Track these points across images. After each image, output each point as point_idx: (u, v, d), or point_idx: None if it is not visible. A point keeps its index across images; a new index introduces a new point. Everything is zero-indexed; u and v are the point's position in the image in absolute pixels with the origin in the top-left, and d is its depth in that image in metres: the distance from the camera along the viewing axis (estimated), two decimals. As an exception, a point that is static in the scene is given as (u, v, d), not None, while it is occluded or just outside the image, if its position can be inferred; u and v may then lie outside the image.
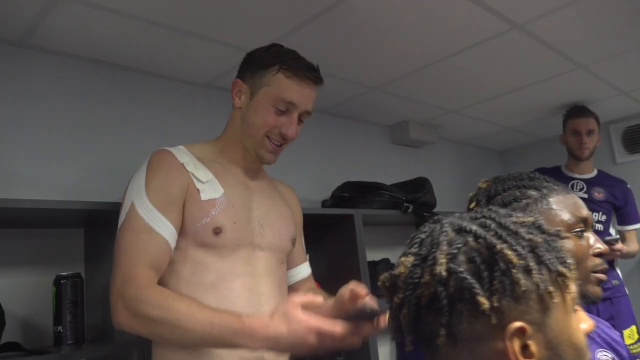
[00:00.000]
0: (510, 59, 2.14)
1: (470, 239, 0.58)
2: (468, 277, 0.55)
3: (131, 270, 1.04)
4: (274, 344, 0.92)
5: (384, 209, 2.25)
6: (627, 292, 2.52)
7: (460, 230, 0.59)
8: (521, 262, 0.55)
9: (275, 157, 1.28)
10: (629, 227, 2.62)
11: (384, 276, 0.63)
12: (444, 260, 0.56)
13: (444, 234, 0.60)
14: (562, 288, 0.57)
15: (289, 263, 1.38)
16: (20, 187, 1.53)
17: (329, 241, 2.08)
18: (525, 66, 2.23)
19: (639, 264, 3.05)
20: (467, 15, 1.72)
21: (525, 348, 0.53)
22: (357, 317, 0.91)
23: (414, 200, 2.35)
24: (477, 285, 0.54)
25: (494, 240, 0.57)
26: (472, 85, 2.41)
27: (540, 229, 0.60)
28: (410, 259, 0.60)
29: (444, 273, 0.56)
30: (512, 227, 0.59)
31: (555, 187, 0.96)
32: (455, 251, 0.57)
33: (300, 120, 1.26)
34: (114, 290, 1.03)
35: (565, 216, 0.91)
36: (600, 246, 0.93)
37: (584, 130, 2.59)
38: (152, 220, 1.09)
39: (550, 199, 0.94)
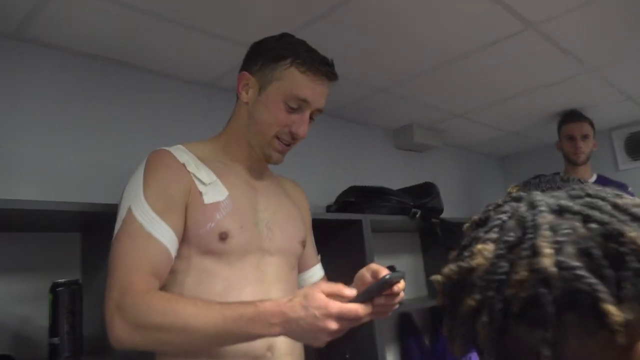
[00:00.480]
0: (521, 61, 2.09)
1: (578, 224, 0.42)
2: (587, 275, 0.39)
3: (128, 278, 0.95)
4: (291, 328, 0.86)
5: (392, 214, 2.18)
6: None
7: (562, 211, 0.44)
8: None
9: (283, 157, 1.20)
10: None
11: (449, 269, 0.47)
12: (549, 251, 0.40)
13: (541, 215, 0.44)
14: None
15: (301, 266, 1.30)
16: (12, 185, 1.44)
17: (336, 247, 2.00)
18: (535, 68, 2.18)
19: None
20: (480, 13, 1.67)
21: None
22: (378, 289, 0.88)
23: (421, 206, 2.28)
24: (602, 288, 0.38)
25: (619, 226, 0.40)
26: (480, 87, 2.35)
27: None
28: (491, 246, 0.44)
29: (551, 268, 0.40)
30: (633, 210, 0.43)
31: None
32: (563, 239, 0.41)
33: (311, 119, 1.18)
34: (110, 304, 0.94)
35: None
36: None
37: (579, 135, 2.60)
38: (150, 226, 1.00)
39: None
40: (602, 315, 0.38)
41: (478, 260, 0.44)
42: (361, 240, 1.96)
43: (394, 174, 2.75)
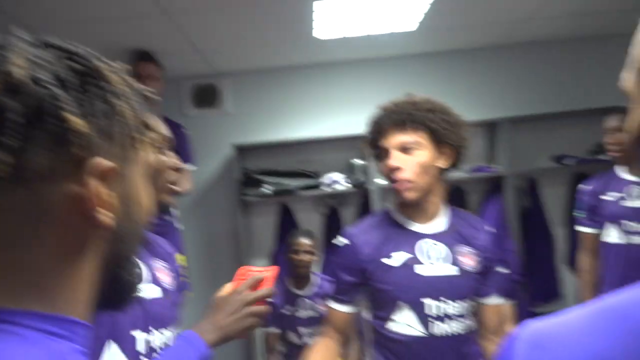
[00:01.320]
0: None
1: (62, 53, 0.44)
2: (57, 85, 0.41)
3: None
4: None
5: None
6: (178, 227, 2.86)
7: (48, 44, 0.45)
8: (121, 89, 0.47)
9: None
10: None
11: None
12: (21, 62, 0.41)
13: (20, 44, 0.43)
14: (144, 142, 0.51)
15: None
16: None
17: None
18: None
19: (194, 201, 3.50)
20: None
21: (105, 196, 0.45)
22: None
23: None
24: (67, 99, 0.41)
25: (94, 60, 0.45)
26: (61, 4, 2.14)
27: (128, 80, 0.51)
28: None
29: (21, 74, 0.40)
30: (104, 61, 0.48)
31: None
32: (38, 61, 0.42)
33: None
34: None
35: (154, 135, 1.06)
36: (176, 162, 1.12)
37: (144, 74, 2.72)
38: None
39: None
40: (66, 127, 0.41)
41: None
42: None
43: None
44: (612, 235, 2.26)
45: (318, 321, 2.79)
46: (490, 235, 1.52)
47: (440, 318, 1.40)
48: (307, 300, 2.83)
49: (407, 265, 1.42)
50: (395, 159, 1.39)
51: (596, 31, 3.44)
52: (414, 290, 1.41)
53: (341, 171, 3.42)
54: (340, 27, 2.83)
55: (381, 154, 1.45)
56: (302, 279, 2.85)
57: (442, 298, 1.40)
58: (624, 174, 2.30)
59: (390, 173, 1.41)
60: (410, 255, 1.43)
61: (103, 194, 0.44)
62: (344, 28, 2.85)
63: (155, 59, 2.80)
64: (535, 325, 0.43)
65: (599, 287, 2.33)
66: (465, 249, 1.46)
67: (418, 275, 1.41)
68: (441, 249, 1.44)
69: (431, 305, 1.40)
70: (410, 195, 1.40)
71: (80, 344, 0.45)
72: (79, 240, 0.45)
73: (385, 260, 1.44)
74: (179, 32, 2.67)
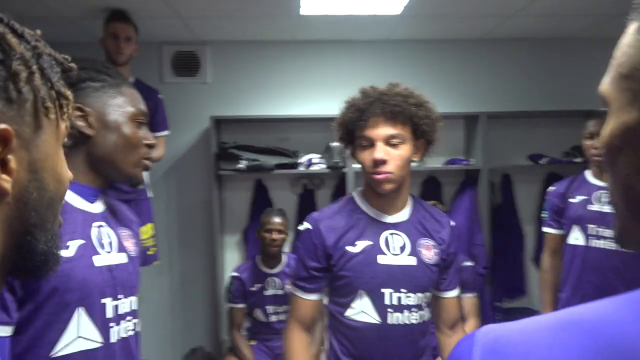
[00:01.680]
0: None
1: None
2: None
3: None
4: None
5: None
6: (149, 195, 2.82)
7: None
8: (25, 55, 0.47)
9: None
10: None
11: None
12: None
13: None
14: (59, 112, 0.52)
15: None
16: None
17: None
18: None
19: (168, 170, 3.45)
20: None
21: (3, 163, 0.45)
22: None
23: None
24: None
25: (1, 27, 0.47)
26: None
27: (46, 46, 0.52)
28: None
29: None
30: (20, 27, 0.49)
31: (126, 81, 1.15)
32: None
33: None
34: None
35: (130, 108, 1.09)
36: (151, 139, 1.14)
37: (122, 35, 2.66)
38: None
39: (122, 89, 1.09)
40: None
41: None
42: None
43: None
44: (575, 237, 2.31)
45: (285, 300, 2.80)
46: (453, 230, 1.54)
47: (398, 308, 1.42)
48: (275, 279, 2.83)
49: (369, 254, 1.43)
50: (382, 151, 1.38)
51: (580, 33, 3.45)
52: (374, 279, 1.42)
53: (319, 152, 3.41)
54: (325, 4, 2.78)
55: (361, 142, 1.43)
56: (272, 258, 2.85)
57: (401, 289, 1.42)
58: (592, 178, 2.34)
59: (373, 165, 1.40)
60: (371, 243, 1.44)
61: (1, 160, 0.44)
62: (329, 6, 2.80)
63: (132, 20, 2.72)
64: (495, 330, 0.43)
65: (559, 288, 2.38)
66: (426, 241, 1.47)
67: (378, 264, 1.42)
68: (402, 239, 1.46)
69: (390, 295, 1.42)
70: (389, 187, 1.41)
71: None
72: None
73: (348, 248, 1.44)
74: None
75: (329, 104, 3.48)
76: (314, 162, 3.35)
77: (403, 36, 3.45)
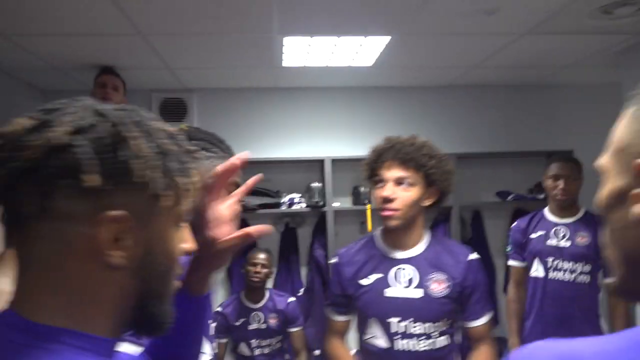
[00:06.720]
0: (70, 5, 2.15)
1: (103, 119, 0.54)
2: (83, 150, 0.51)
3: None
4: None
5: None
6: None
7: (96, 112, 0.55)
8: (146, 155, 0.55)
9: None
10: None
11: None
12: (64, 129, 0.52)
13: (76, 108, 0.55)
14: (176, 199, 0.59)
15: None
16: None
17: None
18: (82, 14, 2.27)
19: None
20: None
21: (118, 241, 0.54)
22: None
23: None
24: (89, 161, 0.51)
25: (128, 128, 0.55)
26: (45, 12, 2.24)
27: (177, 140, 0.60)
28: (28, 121, 0.53)
29: (59, 140, 0.51)
30: (152, 125, 0.58)
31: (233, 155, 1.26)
32: (83, 124, 0.53)
33: None
34: None
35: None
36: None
37: (110, 84, 2.89)
38: None
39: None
40: (83, 184, 0.51)
41: (14, 127, 0.53)
42: None
43: None
44: (535, 269, 2.52)
45: (268, 333, 2.93)
46: (470, 264, 1.64)
47: (405, 335, 1.57)
48: (259, 314, 2.96)
49: (378, 286, 1.61)
50: (390, 190, 1.58)
51: (538, 81, 3.77)
52: (381, 309, 1.60)
53: (299, 192, 3.59)
54: (305, 57, 3.02)
55: (377, 180, 1.64)
56: (255, 293, 2.99)
57: (407, 319, 1.57)
58: (550, 215, 2.57)
59: (381, 201, 1.60)
60: (381, 276, 1.62)
61: (111, 240, 0.53)
62: (309, 58, 3.04)
63: (118, 73, 2.96)
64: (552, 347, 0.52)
65: (524, 316, 2.57)
66: (437, 275, 1.60)
67: (385, 296, 1.59)
68: (411, 273, 1.61)
69: (395, 324, 1.58)
70: (394, 223, 1.59)
71: (104, 356, 0.56)
72: (99, 273, 0.55)
73: (362, 281, 1.65)
74: (152, 51, 2.80)
75: (309, 147, 3.72)
76: (295, 201, 3.54)
77: (376, 83, 3.71)
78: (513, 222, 2.78)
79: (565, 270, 2.44)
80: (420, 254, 1.64)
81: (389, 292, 1.60)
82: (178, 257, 0.63)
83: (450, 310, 1.61)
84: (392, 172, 1.60)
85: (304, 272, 3.73)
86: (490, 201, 3.79)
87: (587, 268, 2.42)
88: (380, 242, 1.70)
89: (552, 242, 2.49)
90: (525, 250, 2.59)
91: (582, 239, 2.44)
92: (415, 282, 1.59)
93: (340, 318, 1.74)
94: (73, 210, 0.52)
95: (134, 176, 0.54)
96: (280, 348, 3.04)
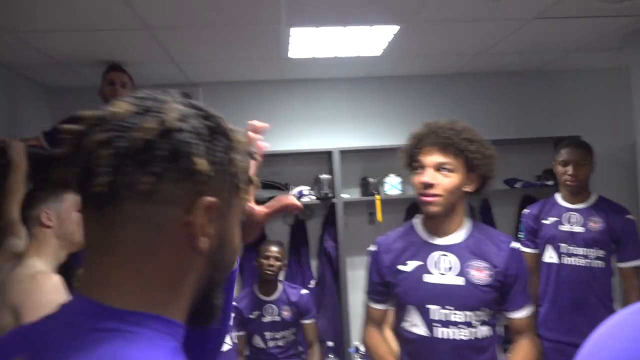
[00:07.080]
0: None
1: (200, 111, 0.57)
2: (193, 136, 0.53)
3: None
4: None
5: None
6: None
7: (191, 105, 0.57)
8: (241, 147, 0.59)
9: None
10: None
11: (84, 114, 0.54)
12: (175, 115, 0.53)
13: (173, 102, 0.56)
14: (244, 193, 0.61)
15: None
16: None
17: None
18: (88, 9, 2.25)
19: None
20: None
21: (204, 228, 0.55)
22: None
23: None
24: (199, 146, 0.53)
25: (223, 122, 0.58)
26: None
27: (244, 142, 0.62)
28: (131, 107, 0.54)
29: (172, 123, 0.52)
30: (227, 124, 0.60)
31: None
32: (189, 112, 0.55)
33: None
34: None
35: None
36: None
37: (119, 81, 2.85)
38: None
39: None
40: (193, 167, 0.52)
41: (116, 109, 0.53)
42: None
43: None
44: (549, 255, 2.52)
45: (282, 326, 2.94)
46: (513, 252, 1.59)
47: (444, 323, 1.54)
48: (273, 306, 2.97)
49: (417, 273, 1.59)
50: (430, 176, 1.55)
51: (544, 67, 3.75)
52: (420, 295, 1.57)
53: (308, 184, 3.59)
54: (312, 49, 3.01)
55: (416, 166, 1.61)
56: (269, 285, 2.99)
57: (447, 306, 1.54)
58: (562, 201, 2.57)
59: (422, 187, 1.57)
60: (421, 263, 1.59)
61: (205, 225, 0.54)
62: (316, 49, 3.03)
63: (126, 71, 2.94)
64: None
65: (538, 302, 2.57)
66: (478, 263, 1.56)
67: (424, 282, 1.57)
68: (451, 260, 1.57)
69: (435, 311, 1.55)
70: (435, 209, 1.56)
71: (180, 343, 0.56)
72: (186, 258, 0.55)
73: (400, 267, 1.63)
74: (158, 45, 2.79)
75: (317, 138, 3.71)
76: (304, 193, 3.54)
77: (382, 73, 3.70)
78: (521, 210, 2.77)
79: (578, 256, 2.44)
80: (462, 241, 1.60)
81: (428, 279, 1.57)
82: (239, 251, 0.64)
83: (492, 300, 1.56)
84: (432, 158, 1.56)
85: (314, 264, 3.74)
86: (498, 189, 3.78)
87: (601, 253, 2.42)
88: (420, 229, 1.67)
89: (564, 227, 2.49)
90: (537, 236, 2.59)
91: (595, 224, 2.44)
92: (456, 269, 1.56)
93: (379, 307, 1.72)
94: (175, 194, 0.53)
95: (233, 165, 0.56)
96: (294, 340, 3.05)
